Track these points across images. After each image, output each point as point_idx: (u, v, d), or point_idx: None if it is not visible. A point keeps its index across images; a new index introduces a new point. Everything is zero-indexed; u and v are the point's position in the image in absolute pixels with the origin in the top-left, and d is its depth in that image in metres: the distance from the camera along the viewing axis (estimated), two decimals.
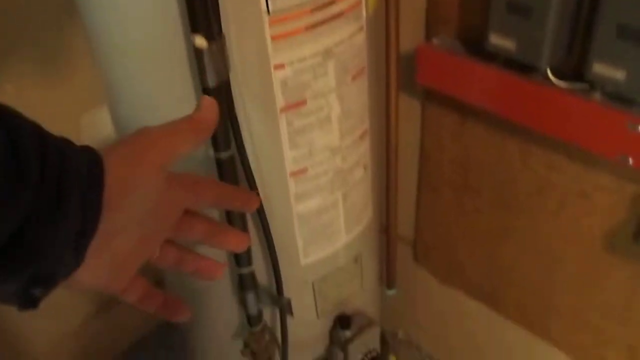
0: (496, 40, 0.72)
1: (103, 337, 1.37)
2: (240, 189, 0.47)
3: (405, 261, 1.27)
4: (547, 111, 0.75)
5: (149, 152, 0.38)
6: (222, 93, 0.59)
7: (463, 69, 0.81)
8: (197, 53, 0.55)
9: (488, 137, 0.92)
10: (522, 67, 0.75)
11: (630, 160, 0.71)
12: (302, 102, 0.70)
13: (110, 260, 0.38)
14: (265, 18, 0.61)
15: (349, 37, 0.70)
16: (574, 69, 0.73)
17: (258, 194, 0.48)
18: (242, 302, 0.81)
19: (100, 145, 0.39)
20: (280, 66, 0.65)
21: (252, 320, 0.83)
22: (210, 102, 0.44)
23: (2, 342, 1.19)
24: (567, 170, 0.85)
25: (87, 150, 0.35)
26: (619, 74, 0.64)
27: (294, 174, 0.77)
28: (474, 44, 0.82)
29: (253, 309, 0.81)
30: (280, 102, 0.68)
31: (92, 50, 0.68)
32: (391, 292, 1.20)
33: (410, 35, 0.93)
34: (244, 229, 0.74)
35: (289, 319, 0.87)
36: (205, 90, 0.57)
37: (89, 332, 1.33)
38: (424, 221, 1.16)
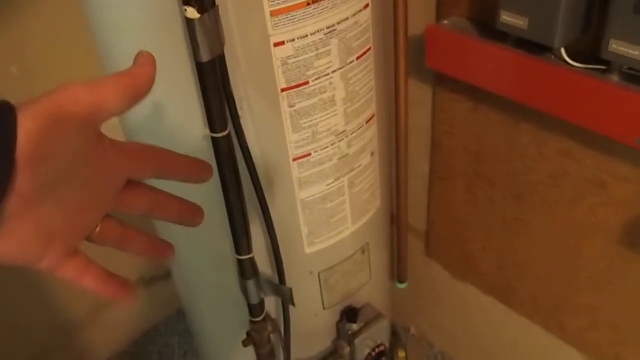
0: (507, 17, 0.68)
1: (113, 327, 1.36)
2: (189, 157, 0.44)
3: (416, 255, 1.24)
4: (561, 94, 0.71)
5: (71, 106, 0.35)
6: (216, 68, 0.56)
7: (473, 50, 0.77)
8: (188, 25, 0.53)
9: (501, 124, 0.89)
10: (534, 47, 0.72)
11: None
12: (304, 83, 0.68)
13: (37, 229, 0.35)
14: None
15: (353, 14, 0.68)
16: (589, 49, 0.70)
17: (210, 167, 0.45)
18: (243, 291, 0.78)
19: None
20: (280, 43, 0.63)
21: (253, 309, 0.81)
22: (146, 56, 0.40)
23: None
24: (583, 158, 0.82)
25: None
26: (637, 51, 0.61)
27: (297, 158, 0.74)
28: (487, 26, 0.79)
29: (254, 298, 0.78)
30: (280, 81, 0.66)
31: (89, 26, 0.66)
32: (402, 286, 1.17)
33: (421, 16, 0.90)
34: (244, 215, 0.72)
35: (294, 311, 0.85)
36: (199, 65, 0.55)
37: (99, 322, 1.32)
38: (436, 213, 1.13)
